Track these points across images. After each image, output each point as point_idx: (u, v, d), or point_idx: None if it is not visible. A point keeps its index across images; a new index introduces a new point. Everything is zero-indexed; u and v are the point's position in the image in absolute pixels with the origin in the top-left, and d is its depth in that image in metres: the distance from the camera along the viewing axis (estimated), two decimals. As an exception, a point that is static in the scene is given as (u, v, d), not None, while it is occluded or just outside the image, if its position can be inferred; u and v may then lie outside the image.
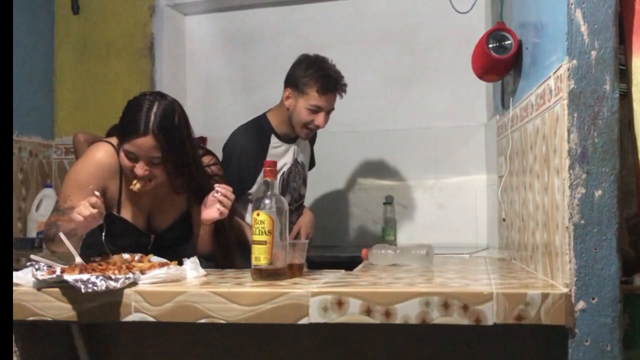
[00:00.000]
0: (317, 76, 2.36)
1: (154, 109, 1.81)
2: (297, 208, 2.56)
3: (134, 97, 1.88)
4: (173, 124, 1.84)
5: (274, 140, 2.45)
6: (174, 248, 1.98)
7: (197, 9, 3.45)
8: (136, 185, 1.85)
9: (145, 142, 1.80)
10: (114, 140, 1.92)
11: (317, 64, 2.40)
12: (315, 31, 3.28)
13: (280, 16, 3.35)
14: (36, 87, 3.23)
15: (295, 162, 2.52)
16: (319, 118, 2.40)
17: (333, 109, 2.46)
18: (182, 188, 1.97)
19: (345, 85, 2.44)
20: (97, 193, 1.74)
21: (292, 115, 2.41)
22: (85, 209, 1.69)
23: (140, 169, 1.83)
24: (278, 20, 3.35)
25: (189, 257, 1.74)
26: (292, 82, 2.40)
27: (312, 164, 2.71)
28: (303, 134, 2.45)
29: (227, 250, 2.02)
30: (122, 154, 1.85)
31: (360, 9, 3.27)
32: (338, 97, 2.45)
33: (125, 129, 1.83)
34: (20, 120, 3.00)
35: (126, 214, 1.95)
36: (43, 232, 1.90)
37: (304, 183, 2.60)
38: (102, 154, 1.92)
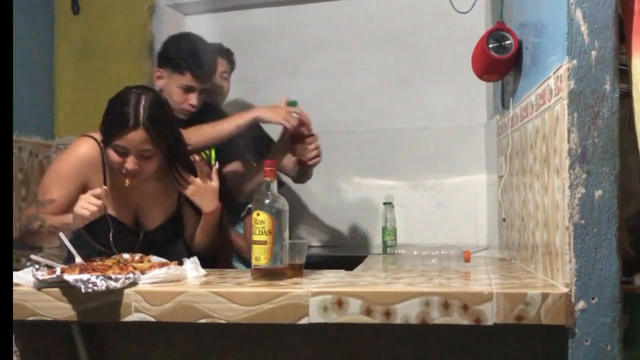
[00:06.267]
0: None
1: (142, 102, 1.80)
2: None
3: (117, 92, 1.87)
4: (162, 115, 1.85)
5: None
6: (162, 247, 1.97)
7: (197, 9, 3.44)
8: (127, 182, 1.85)
9: (136, 136, 1.78)
10: (98, 135, 1.90)
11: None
12: (315, 31, 3.27)
13: (280, 16, 3.35)
14: (36, 87, 3.23)
15: None
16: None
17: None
18: (168, 179, 1.97)
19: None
20: (105, 188, 1.76)
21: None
22: (89, 204, 1.71)
23: (130, 163, 1.81)
24: (278, 20, 3.35)
25: (177, 256, 1.75)
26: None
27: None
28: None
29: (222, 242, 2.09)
30: (110, 151, 1.82)
31: (360, 9, 3.26)
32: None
33: (113, 125, 1.81)
34: (20, 120, 2.99)
35: (112, 210, 1.91)
36: (23, 225, 1.90)
37: None
38: (85, 148, 1.90)
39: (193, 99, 2.38)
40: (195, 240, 2.05)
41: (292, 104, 2.34)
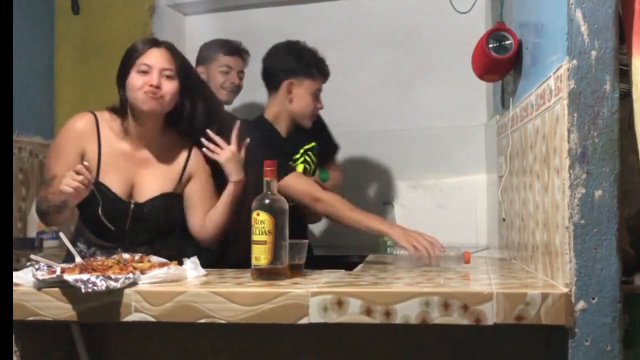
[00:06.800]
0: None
1: (162, 39, 1.97)
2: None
3: None
4: (181, 53, 1.97)
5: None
6: (154, 226, 1.95)
7: (197, 9, 3.44)
8: (154, 92, 1.87)
9: (159, 53, 1.90)
10: (98, 111, 1.97)
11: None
12: (315, 31, 3.26)
13: (280, 16, 3.35)
14: (36, 87, 3.23)
15: None
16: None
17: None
18: (170, 154, 1.99)
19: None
20: (85, 164, 1.75)
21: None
22: (72, 180, 1.70)
23: (154, 79, 1.86)
24: (278, 20, 3.35)
25: (177, 253, 1.75)
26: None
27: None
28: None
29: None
30: (132, 76, 1.88)
31: (360, 9, 3.26)
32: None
33: (132, 53, 1.91)
34: (20, 120, 2.99)
35: (106, 179, 1.91)
36: (36, 206, 1.96)
37: None
38: (81, 121, 1.94)
39: (320, 102, 2.43)
40: (209, 220, 1.99)
41: (323, 176, 2.44)
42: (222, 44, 2.75)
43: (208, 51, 2.76)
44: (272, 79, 2.43)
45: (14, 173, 3.01)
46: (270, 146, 2.29)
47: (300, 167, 2.44)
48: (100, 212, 1.87)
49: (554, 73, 1.45)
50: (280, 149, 2.34)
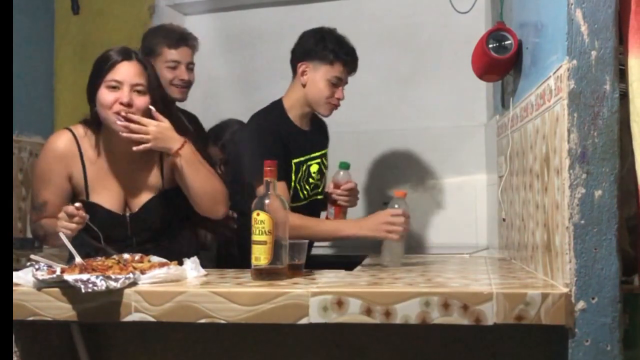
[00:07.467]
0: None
1: (132, 49, 1.89)
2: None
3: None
4: (151, 65, 1.92)
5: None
6: (155, 229, 1.94)
7: (197, 9, 3.44)
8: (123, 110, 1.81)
9: (130, 66, 1.83)
10: (74, 127, 1.94)
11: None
12: (315, 31, 3.27)
13: (280, 16, 3.35)
14: (36, 87, 3.23)
15: None
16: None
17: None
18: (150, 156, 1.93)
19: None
20: (77, 204, 1.73)
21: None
22: (68, 224, 1.70)
23: (125, 96, 1.80)
24: (278, 20, 3.35)
25: (178, 254, 1.76)
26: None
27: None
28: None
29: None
30: (101, 92, 1.82)
31: (360, 9, 3.26)
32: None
33: (105, 63, 1.83)
34: (20, 120, 2.99)
35: (97, 197, 1.89)
36: (31, 231, 1.97)
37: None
38: (61, 142, 1.91)
39: (340, 92, 2.28)
40: (193, 194, 1.89)
41: (343, 166, 2.30)
42: (165, 35, 2.49)
43: (151, 44, 2.49)
44: (292, 62, 2.33)
45: (14, 173, 3.01)
46: (274, 124, 2.24)
47: (314, 167, 2.38)
48: (102, 243, 1.88)
49: (554, 73, 1.45)
50: (291, 135, 2.28)
